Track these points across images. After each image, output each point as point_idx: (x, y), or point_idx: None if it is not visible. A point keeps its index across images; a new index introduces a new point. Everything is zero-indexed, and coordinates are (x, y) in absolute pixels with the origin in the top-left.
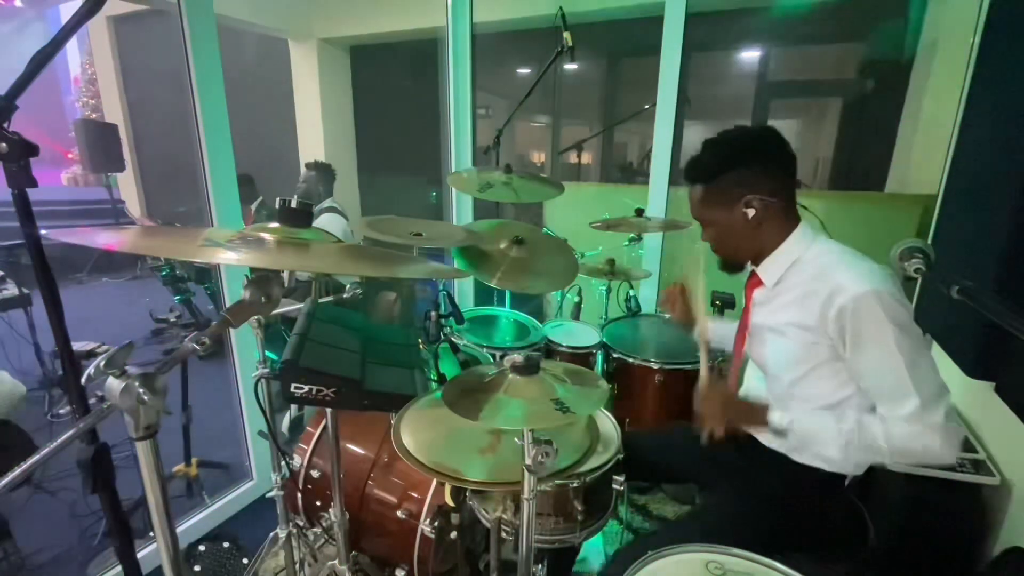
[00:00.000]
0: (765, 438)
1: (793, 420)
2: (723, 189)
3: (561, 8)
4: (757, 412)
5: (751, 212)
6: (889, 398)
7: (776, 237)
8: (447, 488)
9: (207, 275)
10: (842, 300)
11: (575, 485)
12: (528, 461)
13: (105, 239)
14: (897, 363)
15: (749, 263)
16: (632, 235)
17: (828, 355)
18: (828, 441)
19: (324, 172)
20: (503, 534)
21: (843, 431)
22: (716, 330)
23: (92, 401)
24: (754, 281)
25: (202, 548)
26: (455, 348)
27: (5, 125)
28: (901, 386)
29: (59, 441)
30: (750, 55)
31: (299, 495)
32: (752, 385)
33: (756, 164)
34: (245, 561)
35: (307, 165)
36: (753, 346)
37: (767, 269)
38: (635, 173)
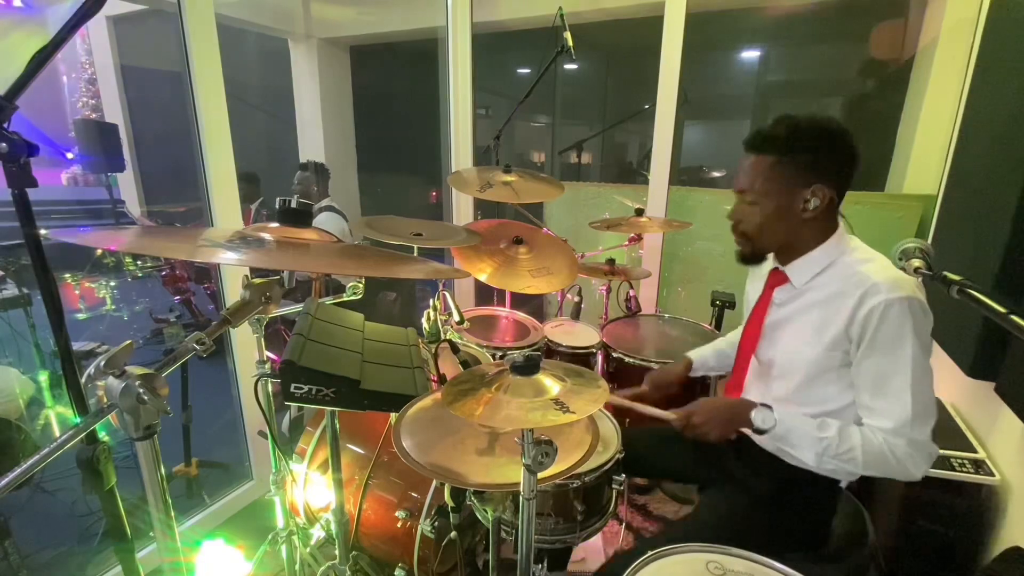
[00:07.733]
0: (760, 439)
1: (776, 422)
2: (794, 168)
3: (561, 8)
4: (741, 412)
5: (813, 202)
6: (883, 405)
7: (816, 237)
8: (447, 488)
9: (207, 275)
10: (874, 301)
11: (575, 485)
12: (528, 461)
13: (105, 239)
14: (905, 374)
15: (770, 258)
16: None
17: (840, 360)
18: (804, 446)
19: (320, 172)
20: (503, 534)
21: (822, 439)
22: (705, 359)
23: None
24: (777, 279)
25: None
26: (455, 348)
27: (5, 125)
28: (900, 396)
29: (59, 441)
30: (750, 55)
31: (299, 496)
32: (752, 386)
33: (836, 155)
34: None
35: (301, 166)
36: (763, 346)
37: (798, 268)
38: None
